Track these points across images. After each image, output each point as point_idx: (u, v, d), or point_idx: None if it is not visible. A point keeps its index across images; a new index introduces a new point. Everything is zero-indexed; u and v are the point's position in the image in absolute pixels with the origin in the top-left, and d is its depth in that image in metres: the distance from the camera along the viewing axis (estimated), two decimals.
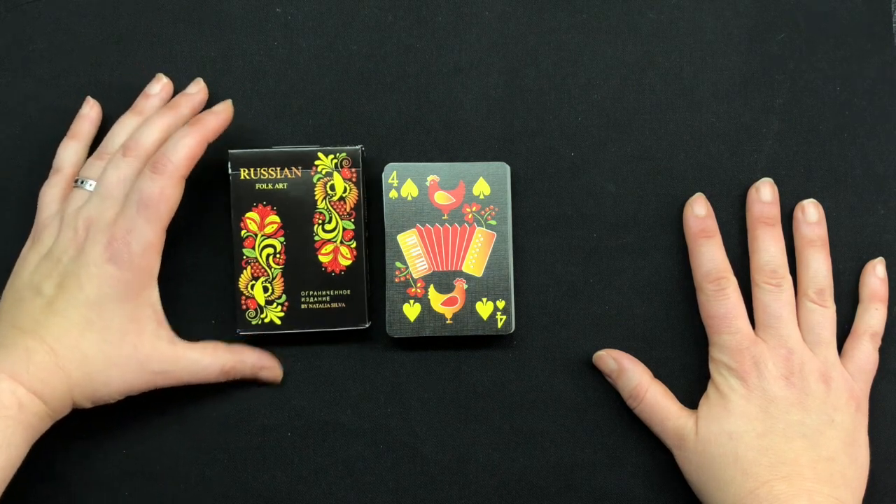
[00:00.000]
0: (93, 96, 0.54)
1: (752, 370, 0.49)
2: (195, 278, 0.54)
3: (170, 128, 0.50)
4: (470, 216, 0.52)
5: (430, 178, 0.52)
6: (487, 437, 0.54)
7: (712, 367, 0.51)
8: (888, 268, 0.54)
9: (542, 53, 0.54)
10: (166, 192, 0.47)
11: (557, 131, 0.54)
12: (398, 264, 0.52)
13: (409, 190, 0.52)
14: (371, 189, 0.53)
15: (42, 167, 0.53)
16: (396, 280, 0.52)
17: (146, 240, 0.47)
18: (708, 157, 0.54)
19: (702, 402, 0.51)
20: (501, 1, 0.54)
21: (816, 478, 0.47)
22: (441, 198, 0.52)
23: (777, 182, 0.54)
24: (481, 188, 0.52)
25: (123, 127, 0.51)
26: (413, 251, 0.52)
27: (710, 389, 0.51)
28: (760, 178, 0.54)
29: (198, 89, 0.53)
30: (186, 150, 0.48)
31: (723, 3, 0.54)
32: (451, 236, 0.52)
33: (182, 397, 0.54)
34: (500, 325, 0.52)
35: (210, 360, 0.50)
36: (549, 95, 0.54)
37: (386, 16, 0.54)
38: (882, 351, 0.52)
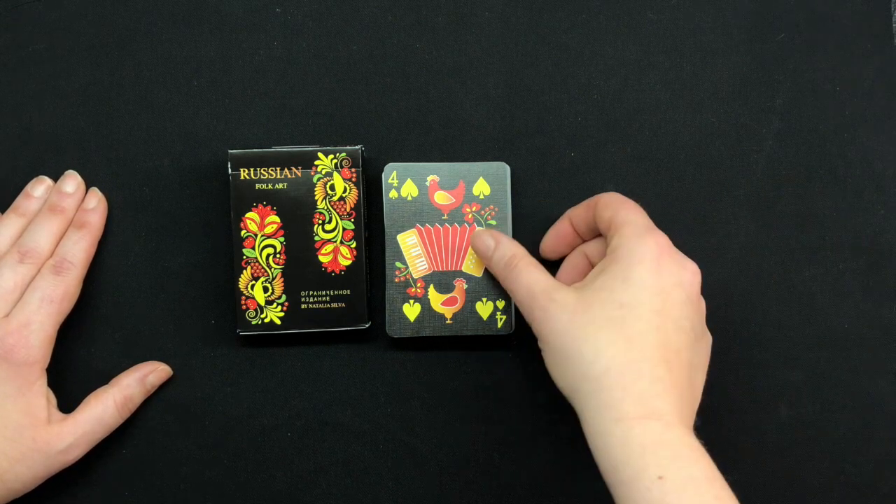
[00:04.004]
0: (93, 96, 0.54)
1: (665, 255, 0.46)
2: (195, 278, 0.54)
3: (61, 231, 0.51)
4: (470, 216, 0.52)
5: (430, 178, 0.52)
6: (487, 437, 0.54)
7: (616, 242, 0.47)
8: (887, 268, 0.54)
9: (542, 53, 0.54)
10: (70, 292, 0.50)
11: (557, 131, 0.54)
12: (398, 264, 0.52)
13: (409, 190, 0.52)
14: (371, 189, 0.53)
15: (42, 167, 0.53)
16: (396, 280, 0.52)
17: (45, 333, 0.48)
18: (708, 157, 0.54)
19: (591, 274, 0.47)
20: (501, 1, 0.54)
21: (689, 380, 0.44)
22: (441, 198, 0.52)
23: (777, 182, 0.54)
24: (481, 188, 0.52)
25: (6, 227, 0.51)
26: (413, 251, 0.52)
27: (607, 261, 0.46)
28: (760, 177, 0.54)
29: (76, 186, 0.53)
30: (84, 253, 0.51)
31: (723, 3, 0.54)
32: (451, 236, 0.52)
33: (182, 397, 0.54)
34: (500, 325, 0.52)
35: (101, 407, 0.51)
36: (549, 95, 0.54)
37: (386, 16, 0.54)
38: (882, 351, 0.52)
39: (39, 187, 0.53)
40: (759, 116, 0.54)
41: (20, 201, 0.52)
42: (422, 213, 0.52)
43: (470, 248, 0.52)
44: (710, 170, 0.54)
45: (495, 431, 0.54)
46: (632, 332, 0.43)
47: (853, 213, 0.54)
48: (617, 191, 0.54)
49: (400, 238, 0.52)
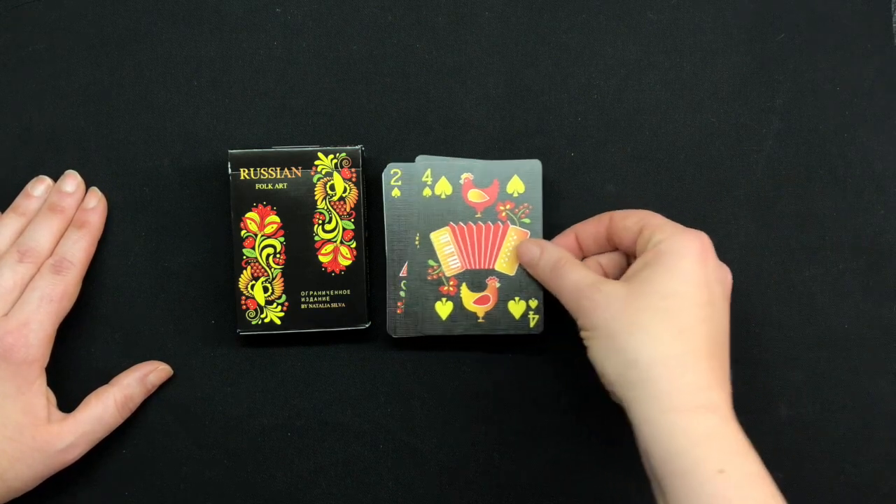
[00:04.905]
0: (93, 96, 0.54)
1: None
2: (195, 278, 0.54)
3: (61, 231, 0.51)
4: (503, 214, 0.52)
5: (465, 175, 0.52)
6: (487, 437, 0.54)
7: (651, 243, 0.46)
8: (887, 268, 0.54)
9: (542, 53, 0.54)
10: (69, 291, 0.50)
11: (557, 131, 0.54)
12: (431, 262, 0.52)
13: (443, 188, 0.52)
14: (371, 189, 0.53)
15: (42, 167, 0.53)
16: (429, 278, 0.52)
17: (44, 332, 0.48)
18: (708, 157, 0.54)
19: (634, 269, 0.46)
20: (501, 1, 0.54)
21: (728, 375, 0.45)
22: (475, 196, 0.52)
23: (777, 182, 0.54)
24: (515, 186, 0.52)
25: (6, 226, 0.52)
26: (446, 249, 0.52)
27: (649, 256, 0.46)
28: (760, 177, 0.54)
29: (76, 185, 0.53)
30: (84, 252, 0.51)
31: (723, 3, 0.54)
32: (485, 234, 0.52)
33: (182, 397, 0.54)
34: (532, 324, 0.52)
35: (101, 407, 0.51)
36: (549, 95, 0.54)
37: (386, 16, 0.54)
38: (882, 351, 0.52)
39: (39, 187, 0.53)
40: (759, 116, 0.54)
41: (20, 201, 0.52)
42: (455, 211, 0.52)
43: (503, 246, 0.52)
44: (710, 170, 0.54)
45: (495, 431, 0.54)
46: (682, 324, 0.43)
47: (853, 213, 0.54)
48: (617, 191, 0.54)
49: (433, 236, 0.52)
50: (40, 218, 0.51)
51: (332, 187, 0.51)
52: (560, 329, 0.54)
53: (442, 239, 0.52)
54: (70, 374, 0.53)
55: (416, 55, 0.54)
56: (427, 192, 0.52)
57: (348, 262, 0.51)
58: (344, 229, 0.51)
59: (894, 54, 0.54)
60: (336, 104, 0.54)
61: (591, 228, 0.50)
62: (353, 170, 0.51)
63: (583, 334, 0.46)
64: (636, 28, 0.54)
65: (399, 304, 0.52)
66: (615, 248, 0.50)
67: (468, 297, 0.52)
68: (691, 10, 0.54)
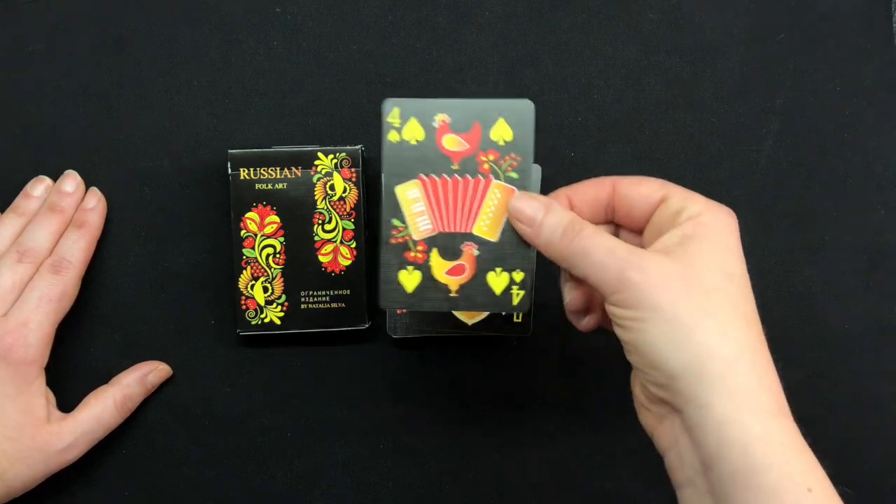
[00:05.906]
0: (93, 96, 0.54)
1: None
2: (195, 278, 0.54)
3: (60, 231, 0.51)
4: (486, 166, 0.42)
5: (439, 117, 0.42)
6: (487, 437, 0.54)
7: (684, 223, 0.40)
8: (887, 268, 0.54)
9: (542, 53, 0.54)
10: (68, 291, 0.50)
11: (557, 131, 0.54)
12: (395, 222, 0.43)
13: (413, 132, 0.43)
14: (371, 189, 0.53)
15: (42, 167, 0.53)
16: (392, 241, 0.43)
17: (43, 332, 0.48)
18: (708, 157, 0.54)
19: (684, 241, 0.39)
20: (501, 1, 0.54)
21: None
22: (451, 142, 0.42)
23: (777, 182, 0.54)
24: (501, 132, 0.42)
25: (5, 226, 0.52)
26: (414, 206, 0.43)
27: (689, 228, 0.39)
28: (760, 178, 0.54)
29: (75, 185, 0.53)
30: (83, 252, 0.51)
31: (723, 3, 0.54)
32: (462, 190, 0.42)
33: (182, 397, 0.54)
34: (515, 300, 0.43)
35: (101, 406, 0.51)
36: (549, 95, 0.54)
37: (386, 16, 0.54)
38: (882, 351, 0.52)
39: (39, 187, 0.53)
40: (759, 116, 0.54)
41: (19, 201, 0.53)
42: (426, 160, 0.42)
43: (484, 205, 0.42)
44: (710, 170, 0.54)
45: (495, 431, 0.54)
46: (745, 311, 0.38)
47: (853, 213, 0.54)
48: None
49: (399, 190, 0.43)
50: (40, 218, 0.51)
51: (332, 187, 0.51)
52: (561, 326, 0.54)
53: (410, 194, 0.43)
54: (70, 374, 0.53)
55: (416, 55, 0.54)
56: (394, 135, 0.42)
57: (348, 262, 0.51)
58: (344, 229, 0.51)
59: (894, 54, 0.54)
60: (336, 104, 0.54)
61: (588, 192, 0.43)
62: (352, 170, 0.51)
63: (628, 314, 0.38)
64: (636, 28, 0.54)
65: None
66: (609, 220, 0.43)
67: (439, 267, 0.43)
68: (691, 10, 0.54)
